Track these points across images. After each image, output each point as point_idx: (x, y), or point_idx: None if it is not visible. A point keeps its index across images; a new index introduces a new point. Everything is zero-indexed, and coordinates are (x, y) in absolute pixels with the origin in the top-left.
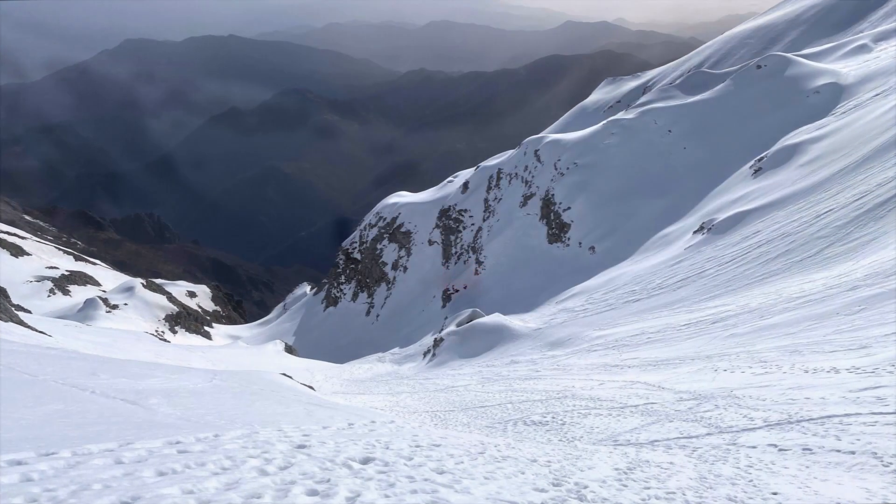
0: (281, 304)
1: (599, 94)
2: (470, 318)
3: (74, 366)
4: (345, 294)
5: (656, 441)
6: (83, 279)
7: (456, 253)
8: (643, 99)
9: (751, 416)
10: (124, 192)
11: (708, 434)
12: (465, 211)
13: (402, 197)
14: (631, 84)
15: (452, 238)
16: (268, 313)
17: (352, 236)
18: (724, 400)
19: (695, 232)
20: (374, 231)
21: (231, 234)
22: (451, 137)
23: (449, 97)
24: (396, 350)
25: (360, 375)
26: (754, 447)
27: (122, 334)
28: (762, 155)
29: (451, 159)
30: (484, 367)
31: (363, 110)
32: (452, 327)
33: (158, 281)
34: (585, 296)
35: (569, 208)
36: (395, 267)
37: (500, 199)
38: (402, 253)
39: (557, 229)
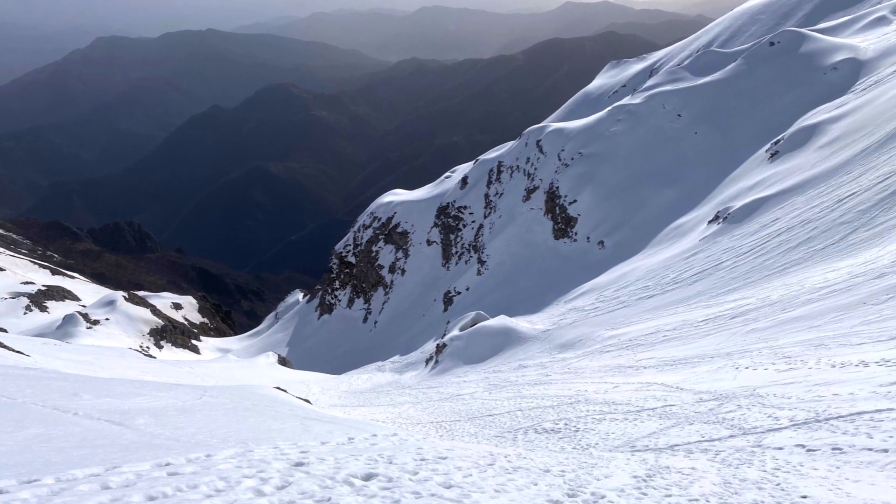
0: (272, 314)
1: (603, 79)
2: (474, 322)
3: (55, 386)
4: (340, 300)
5: (676, 445)
6: (61, 294)
7: (456, 253)
8: (650, 82)
9: (776, 415)
10: (101, 200)
11: (731, 436)
12: (465, 208)
13: (398, 195)
14: (636, 67)
15: (452, 237)
16: (258, 324)
17: (345, 239)
18: (746, 399)
19: (709, 222)
20: (369, 232)
21: (217, 241)
22: (448, 130)
23: (443, 87)
24: (397, 358)
25: (359, 386)
26: (781, 448)
27: (104, 351)
28: (778, 138)
29: (448, 153)
30: (490, 373)
31: (353, 104)
32: (455, 332)
33: (141, 293)
34: (596, 293)
35: (575, 201)
36: (392, 270)
37: (502, 193)
38: (400, 255)
39: (563, 224)
